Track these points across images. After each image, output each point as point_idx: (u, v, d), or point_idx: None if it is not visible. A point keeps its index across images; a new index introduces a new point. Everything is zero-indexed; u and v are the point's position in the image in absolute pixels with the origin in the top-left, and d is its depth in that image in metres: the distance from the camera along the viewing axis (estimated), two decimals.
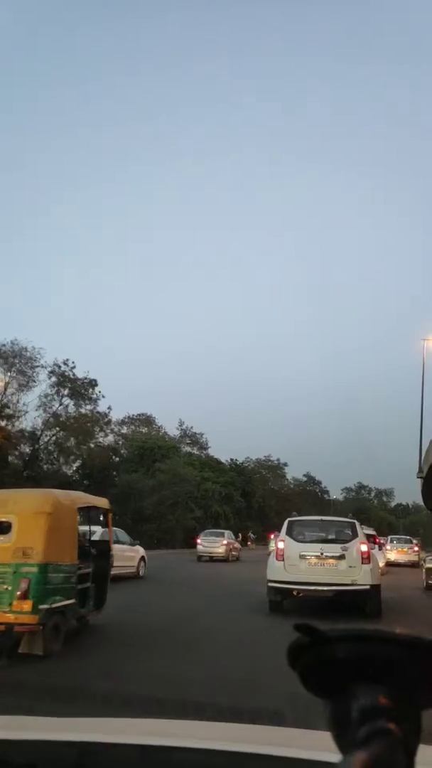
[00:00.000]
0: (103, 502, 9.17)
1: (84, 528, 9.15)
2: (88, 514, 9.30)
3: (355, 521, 11.37)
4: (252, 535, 52.94)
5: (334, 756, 0.59)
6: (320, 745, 1.00)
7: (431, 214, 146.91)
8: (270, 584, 10.35)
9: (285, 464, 71.18)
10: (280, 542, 10.59)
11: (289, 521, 11.08)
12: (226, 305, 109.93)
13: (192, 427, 60.08)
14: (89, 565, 8.09)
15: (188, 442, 59.44)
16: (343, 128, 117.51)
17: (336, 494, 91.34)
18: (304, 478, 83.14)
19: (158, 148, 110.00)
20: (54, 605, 6.88)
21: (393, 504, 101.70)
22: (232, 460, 61.21)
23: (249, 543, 48.51)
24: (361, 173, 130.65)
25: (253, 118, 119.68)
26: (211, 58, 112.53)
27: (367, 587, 9.91)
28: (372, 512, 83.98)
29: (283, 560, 10.22)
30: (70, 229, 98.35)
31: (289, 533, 10.58)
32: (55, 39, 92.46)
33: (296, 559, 10.14)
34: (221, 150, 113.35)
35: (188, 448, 58.01)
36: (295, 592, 10.40)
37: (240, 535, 44.57)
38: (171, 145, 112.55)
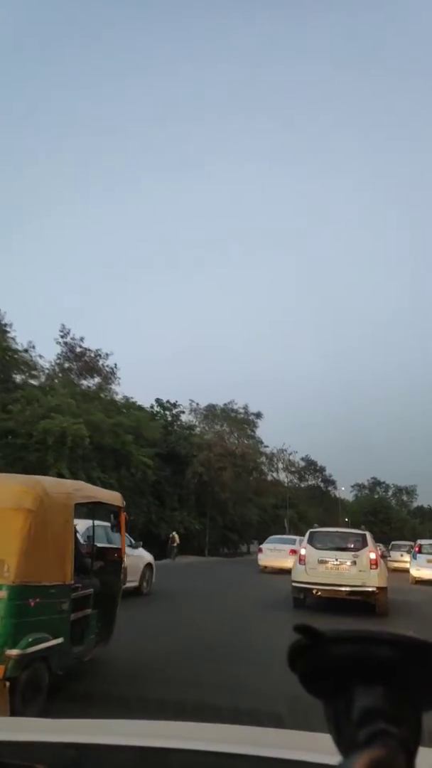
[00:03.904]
0: (114, 497, 7.02)
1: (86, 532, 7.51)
2: (92, 513, 7.29)
3: (367, 533, 13.33)
4: (176, 536, 30.48)
5: (334, 758, 0.58)
6: (320, 747, 1.00)
7: (429, 215, 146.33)
8: (294, 584, 12.39)
9: (258, 415, 44.53)
10: (302, 549, 12.78)
11: (311, 532, 13.38)
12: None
13: (83, 340, 35.18)
14: (91, 583, 6.04)
15: (76, 366, 34.69)
16: (344, 136, 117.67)
17: (344, 488, 75.95)
18: (302, 462, 62.19)
19: (161, 153, 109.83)
20: (31, 649, 4.63)
21: (414, 504, 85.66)
22: (158, 400, 38.38)
23: (173, 545, 29.71)
24: (361, 177, 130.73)
25: (254, 128, 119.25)
26: (217, 63, 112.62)
27: (374, 589, 11.72)
28: (392, 513, 71.65)
29: (305, 564, 12.30)
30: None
31: (310, 542, 12.74)
32: (72, 41, 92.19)
33: (316, 564, 12.18)
34: (237, 154, 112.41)
35: (81, 380, 34.19)
36: (314, 591, 12.25)
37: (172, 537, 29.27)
38: (171, 152, 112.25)
